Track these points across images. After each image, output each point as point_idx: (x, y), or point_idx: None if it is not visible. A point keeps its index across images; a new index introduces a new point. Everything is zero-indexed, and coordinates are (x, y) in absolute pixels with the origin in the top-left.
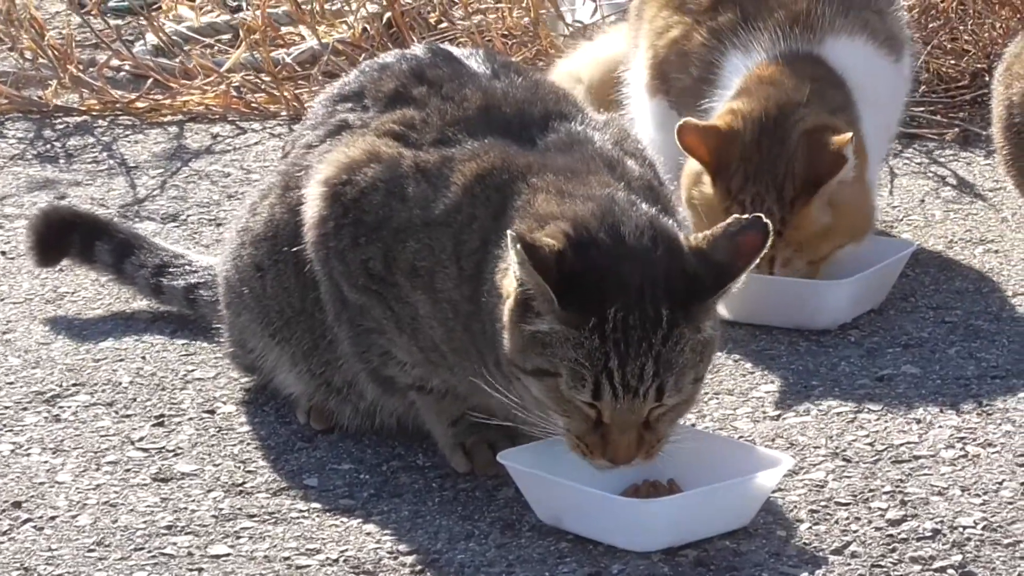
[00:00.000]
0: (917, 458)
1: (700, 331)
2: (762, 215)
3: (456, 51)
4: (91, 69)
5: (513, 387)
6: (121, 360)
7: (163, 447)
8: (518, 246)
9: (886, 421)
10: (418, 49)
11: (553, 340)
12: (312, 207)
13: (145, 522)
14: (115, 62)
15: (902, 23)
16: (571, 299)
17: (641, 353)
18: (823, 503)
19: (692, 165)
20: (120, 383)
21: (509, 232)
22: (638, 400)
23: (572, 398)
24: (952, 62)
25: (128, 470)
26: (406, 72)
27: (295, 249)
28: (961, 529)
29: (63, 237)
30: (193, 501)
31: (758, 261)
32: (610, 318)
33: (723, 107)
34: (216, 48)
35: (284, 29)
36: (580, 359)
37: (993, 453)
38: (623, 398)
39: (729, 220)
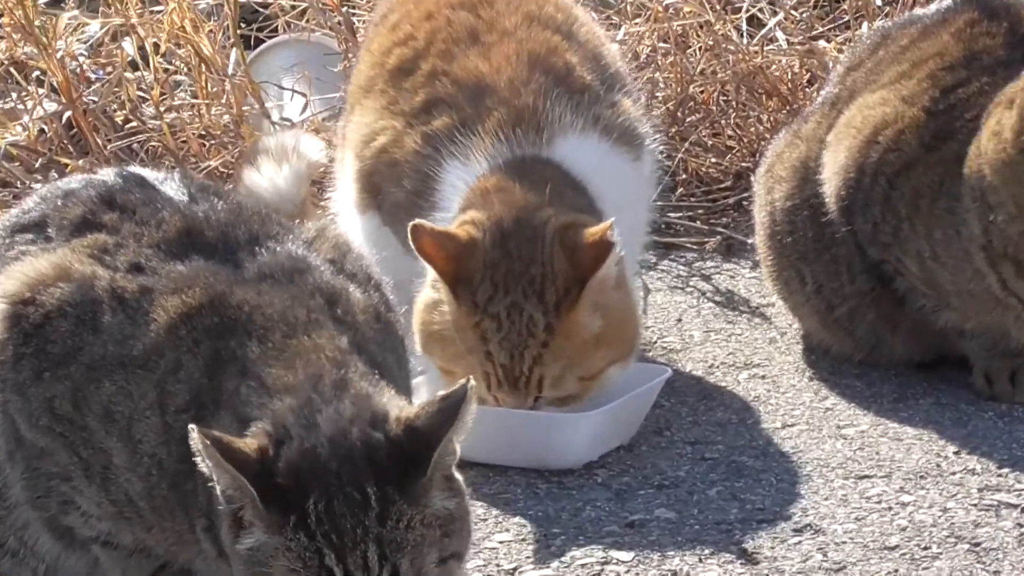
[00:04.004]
0: None
1: (427, 506)
2: (471, 378)
3: (149, 174)
4: None
5: None
6: None
7: None
8: (208, 445)
9: (637, 573)
10: (106, 173)
11: (265, 555)
12: None
13: None
14: None
15: (639, 115)
16: (270, 501)
17: (359, 540)
18: None
19: (426, 295)
20: None
21: (198, 436)
22: None
23: None
24: (713, 160)
25: None
26: (94, 198)
27: None
28: None
29: None
30: None
31: (466, 421)
32: (311, 511)
33: (454, 222)
34: None
35: None
36: (292, 565)
37: None
38: None
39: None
